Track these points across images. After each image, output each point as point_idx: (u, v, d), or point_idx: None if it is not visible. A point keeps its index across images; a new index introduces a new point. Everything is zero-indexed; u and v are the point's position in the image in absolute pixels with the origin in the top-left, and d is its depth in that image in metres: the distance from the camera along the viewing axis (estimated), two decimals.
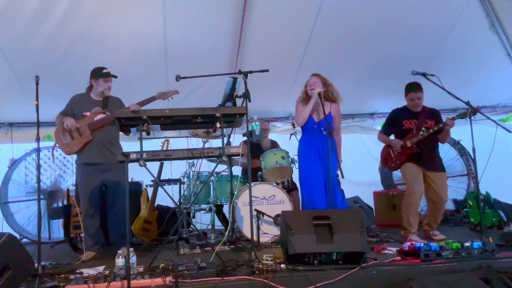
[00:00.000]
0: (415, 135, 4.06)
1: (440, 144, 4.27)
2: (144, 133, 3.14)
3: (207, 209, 4.56)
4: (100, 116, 3.81)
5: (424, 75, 3.81)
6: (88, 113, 3.81)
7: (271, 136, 5.93)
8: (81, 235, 4.60)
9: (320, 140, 3.91)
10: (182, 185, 4.71)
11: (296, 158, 4.43)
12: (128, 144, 5.20)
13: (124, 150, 3.33)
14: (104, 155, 3.77)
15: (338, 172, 3.80)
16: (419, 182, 4.01)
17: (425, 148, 4.06)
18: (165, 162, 4.56)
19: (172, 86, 3.99)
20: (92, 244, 3.78)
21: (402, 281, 2.65)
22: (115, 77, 3.90)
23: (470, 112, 3.69)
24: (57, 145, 3.88)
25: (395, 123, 4.24)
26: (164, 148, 4.39)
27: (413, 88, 4.08)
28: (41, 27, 4.33)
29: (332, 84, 4.06)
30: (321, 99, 3.87)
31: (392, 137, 4.30)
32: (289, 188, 4.86)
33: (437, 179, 4.05)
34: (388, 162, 4.28)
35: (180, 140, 5.10)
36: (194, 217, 4.75)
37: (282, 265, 2.81)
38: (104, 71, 3.83)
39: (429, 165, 4.07)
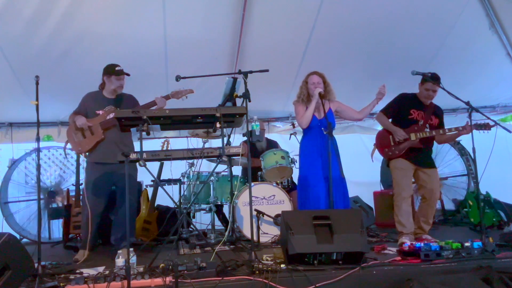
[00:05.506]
0: (422, 129, 3.94)
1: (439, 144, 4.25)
2: (144, 133, 3.14)
3: (207, 209, 4.55)
4: (113, 114, 3.73)
5: (424, 75, 3.82)
6: (101, 112, 3.77)
7: (272, 136, 5.93)
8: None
9: (321, 139, 3.91)
10: (182, 185, 4.71)
11: (296, 158, 4.42)
12: None
13: None
14: (116, 154, 3.75)
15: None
16: (408, 184, 3.93)
17: (426, 145, 4.00)
18: (165, 162, 4.57)
19: (172, 85, 3.98)
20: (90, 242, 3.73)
21: (402, 281, 2.65)
22: (128, 75, 3.87)
23: (470, 112, 3.68)
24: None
25: (402, 108, 4.06)
26: (164, 148, 4.39)
27: (433, 78, 3.86)
28: (41, 27, 4.32)
29: (329, 83, 4.06)
30: (322, 99, 3.88)
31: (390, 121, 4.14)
32: (289, 188, 4.86)
33: (431, 175, 3.97)
34: (385, 148, 4.06)
35: (180, 140, 5.11)
36: (194, 217, 4.75)
37: (282, 265, 2.81)
38: (117, 68, 3.80)
39: (423, 162, 3.98)
